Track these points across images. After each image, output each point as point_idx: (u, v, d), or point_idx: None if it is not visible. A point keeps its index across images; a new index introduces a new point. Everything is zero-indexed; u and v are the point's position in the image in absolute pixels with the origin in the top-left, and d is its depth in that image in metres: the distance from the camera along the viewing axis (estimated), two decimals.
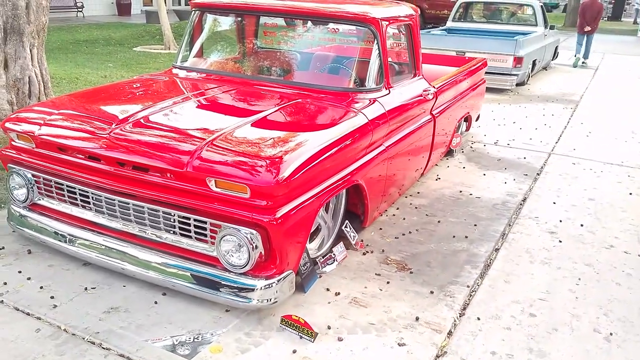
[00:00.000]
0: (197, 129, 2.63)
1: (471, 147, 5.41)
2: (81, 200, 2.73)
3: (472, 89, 5.07)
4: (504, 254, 3.24)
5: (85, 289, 2.64)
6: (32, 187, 2.83)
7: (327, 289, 2.73)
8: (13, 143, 2.87)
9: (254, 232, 2.29)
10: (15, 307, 2.48)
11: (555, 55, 10.99)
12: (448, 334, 2.45)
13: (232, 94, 3.23)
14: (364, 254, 3.13)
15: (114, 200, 2.58)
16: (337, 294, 2.70)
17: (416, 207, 3.86)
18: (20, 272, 2.76)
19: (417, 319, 2.53)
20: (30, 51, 4.52)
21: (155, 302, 2.55)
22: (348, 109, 3.02)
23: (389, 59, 3.52)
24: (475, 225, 3.61)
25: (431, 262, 3.09)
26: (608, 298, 2.81)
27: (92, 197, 2.67)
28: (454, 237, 3.42)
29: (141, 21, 17.10)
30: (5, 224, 3.09)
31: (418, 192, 4.14)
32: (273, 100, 3.11)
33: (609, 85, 9.39)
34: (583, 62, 11.60)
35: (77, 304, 2.52)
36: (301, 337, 2.34)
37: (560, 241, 3.45)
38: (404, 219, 3.66)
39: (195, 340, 2.31)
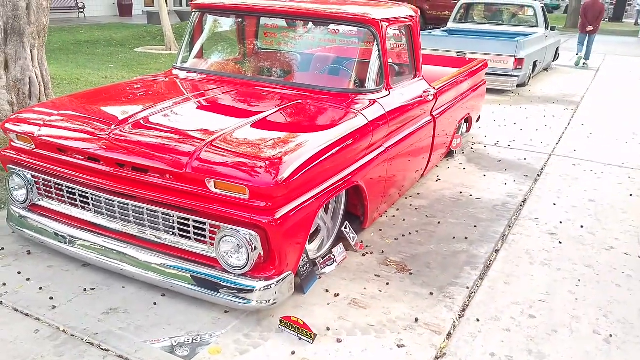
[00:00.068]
0: (197, 130, 2.63)
1: (471, 148, 5.40)
2: (81, 201, 2.73)
3: (472, 90, 5.06)
4: (504, 255, 3.24)
5: (85, 290, 2.64)
6: (31, 188, 2.84)
7: (327, 290, 2.73)
8: (13, 144, 2.87)
9: (253, 233, 2.29)
10: (15, 308, 2.48)
11: (556, 56, 10.98)
12: (447, 335, 2.45)
13: (231, 95, 3.23)
14: (363, 255, 3.13)
15: (114, 201, 2.58)
16: (337, 295, 2.70)
17: (416, 208, 3.86)
18: (19, 272, 2.76)
19: (416, 320, 2.53)
20: (31, 52, 4.53)
21: (155, 303, 2.55)
22: (348, 110, 3.02)
23: (389, 60, 3.52)
24: (475, 226, 3.61)
25: (431, 263, 3.09)
26: (608, 299, 2.81)
27: (92, 198, 2.67)
28: (453, 238, 3.42)
29: (142, 22, 17.13)
30: (4, 225, 3.09)
31: (418, 193, 4.13)
32: (273, 101, 3.11)
33: (610, 87, 9.38)
34: (584, 63, 11.59)
35: (76, 304, 2.52)
36: (300, 339, 2.33)
37: (560, 242, 3.44)
38: (404, 220, 3.66)
39: (194, 341, 2.31)
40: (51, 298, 2.55)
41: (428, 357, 2.29)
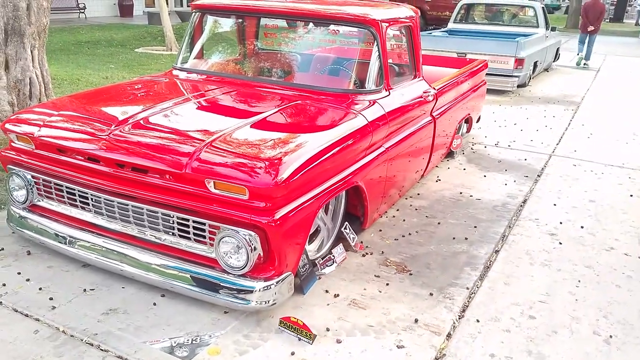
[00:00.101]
0: (197, 131, 2.63)
1: (472, 149, 5.40)
2: (80, 202, 2.73)
3: (472, 91, 5.06)
4: (504, 256, 3.23)
5: (84, 290, 2.64)
6: (31, 189, 2.84)
7: (326, 291, 2.73)
8: (13, 144, 2.87)
9: (253, 233, 2.29)
10: (14, 309, 2.48)
11: (556, 56, 10.97)
12: (447, 336, 2.44)
13: (231, 96, 3.23)
14: (363, 255, 3.13)
15: (113, 201, 2.58)
16: (336, 295, 2.70)
17: (416, 209, 3.86)
18: (19, 273, 2.76)
19: (416, 321, 2.53)
20: (31, 52, 4.53)
21: (154, 304, 2.55)
22: (348, 111, 3.02)
23: (389, 61, 3.52)
24: (475, 227, 3.60)
25: (431, 263, 3.08)
26: (608, 300, 2.80)
27: (92, 199, 2.67)
28: (453, 238, 3.42)
29: (143, 22, 17.14)
30: (4, 225, 3.09)
31: (418, 194, 4.13)
32: (272, 101, 3.11)
33: (611, 87, 9.38)
34: (585, 64, 11.59)
35: (76, 305, 2.52)
36: (300, 339, 2.33)
37: (560, 243, 3.44)
38: (404, 220, 3.65)
39: (194, 342, 2.31)
40: (51, 298, 2.56)
41: (427, 358, 2.29)
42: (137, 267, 2.56)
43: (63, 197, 2.78)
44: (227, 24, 3.97)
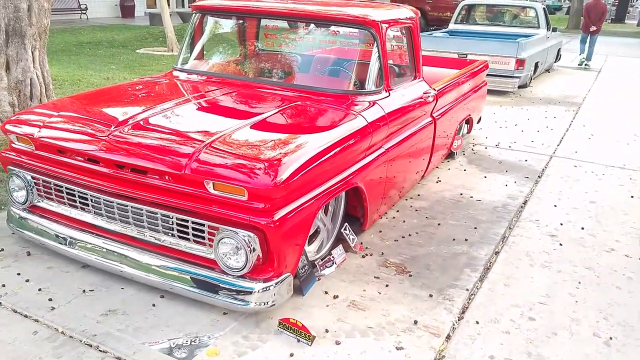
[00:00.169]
0: (196, 132, 2.63)
1: (472, 150, 5.39)
2: (80, 203, 2.73)
3: (473, 92, 5.06)
4: (504, 257, 3.23)
5: (84, 291, 2.64)
6: (31, 189, 2.84)
7: (326, 292, 2.73)
8: (13, 145, 2.87)
9: (252, 234, 2.28)
10: (14, 309, 2.48)
11: (558, 57, 10.96)
12: (446, 337, 2.44)
13: (231, 97, 3.23)
14: (363, 256, 3.12)
15: (113, 202, 2.58)
16: (336, 297, 2.69)
17: (416, 210, 3.85)
18: (19, 274, 2.76)
19: (415, 322, 2.52)
20: (32, 53, 4.54)
21: (153, 305, 2.55)
22: (347, 112, 3.02)
23: (389, 62, 3.52)
24: (475, 228, 3.60)
25: (430, 265, 3.08)
26: (608, 302, 2.80)
27: (91, 200, 2.67)
28: (453, 240, 3.41)
29: (144, 23, 17.17)
30: (4, 226, 3.09)
31: (418, 195, 4.13)
32: (272, 102, 3.11)
33: (612, 88, 9.36)
34: (586, 64, 11.58)
35: (75, 306, 2.52)
36: (299, 341, 2.33)
37: (560, 244, 3.43)
38: (404, 221, 3.65)
39: (193, 343, 2.31)
40: (50, 299, 2.56)
41: (427, 359, 2.29)
42: (137, 268, 2.56)
43: (63, 198, 2.78)
44: (227, 25, 3.97)
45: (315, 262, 2.89)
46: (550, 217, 3.85)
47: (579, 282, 2.97)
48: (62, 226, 2.78)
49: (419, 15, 3.93)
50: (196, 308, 2.53)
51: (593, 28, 11.31)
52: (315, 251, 2.96)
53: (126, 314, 2.48)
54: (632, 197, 4.32)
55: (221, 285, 2.40)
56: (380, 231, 3.47)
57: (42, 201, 2.88)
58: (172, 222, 2.47)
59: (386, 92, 3.33)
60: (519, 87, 8.31)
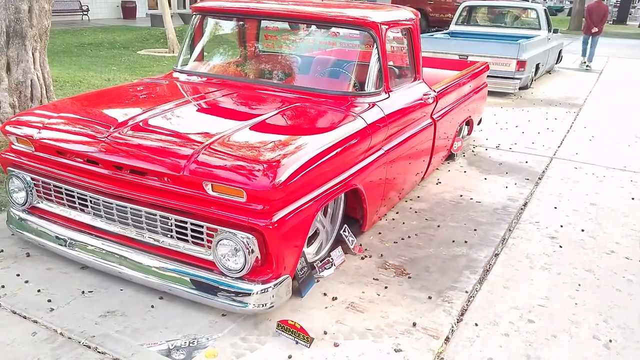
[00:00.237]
0: (195, 133, 2.64)
1: (473, 151, 5.39)
2: (79, 204, 2.73)
3: (473, 93, 5.05)
4: (504, 259, 3.22)
5: (83, 292, 2.64)
6: (31, 191, 2.84)
7: (325, 294, 2.72)
8: (13, 146, 2.88)
9: (250, 236, 2.28)
10: (13, 310, 2.49)
11: (559, 58, 10.95)
12: (445, 340, 2.43)
13: (231, 98, 3.23)
14: (362, 258, 3.12)
15: (112, 203, 2.59)
16: (334, 298, 2.69)
17: (416, 212, 3.85)
18: (18, 275, 2.76)
19: (414, 324, 2.52)
20: (33, 54, 4.55)
21: (152, 306, 2.55)
22: (347, 113, 3.02)
23: (390, 63, 3.52)
24: (475, 230, 3.59)
25: (430, 267, 3.07)
26: (608, 304, 2.79)
27: (91, 201, 2.67)
28: (453, 241, 3.40)
29: (146, 24, 17.20)
30: (4, 227, 3.10)
31: (418, 196, 4.12)
32: (272, 104, 3.11)
33: (613, 89, 9.35)
34: (587, 66, 11.57)
35: (74, 307, 2.52)
36: (297, 343, 2.33)
37: (560, 246, 3.42)
38: (404, 223, 3.65)
39: (191, 344, 2.31)
40: (49, 300, 2.56)
41: None
42: (136, 270, 2.56)
43: (62, 199, 2.78)
44: (227, 27, 3.97)
45: (314, 264, 2.89)
46: (550, 219, 3.84)
47: (579, 285, 2.97)
48: (62, 227, 2.79)
49: (419, 16, 3.93)
50: (194, 309, 2.53)
51: (595, 29, 11.30)
52: (314, 253, 2.96)
53: (125, 315, 2.48)
54: (632, 199, 4.30)
55: (220, 286, 2.40)
56: (380, 233, 3.47)
57: (42, 202, 2.88)
58: (171, 223, 2.47)
59: (386, 93, 3.33)
60: (520, 88, 8.30)
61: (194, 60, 3.77)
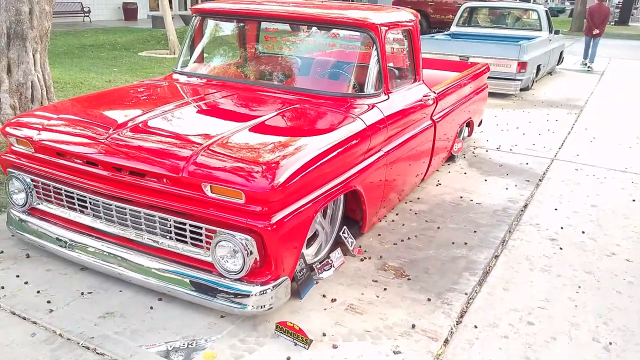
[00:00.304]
0: (195, 134, 2.64)
1: (473, 153, 5.38)
2: (79, 205, 2.73)
3: (474, 94, 5.05)
4: (504, 261, 3.21)
5: (82, 293, 2.64)
6: (31, 192, 2.85)
7: (324, 296, 2.72)
8: (13, 147, 2.88)
9: (249, 237, 2.28)
10: (12, 311, 2.49)
11: (560, 60, 10.94)
12: (444, 342, 2.43)
13: (230, 99, 3.23)
14: (361, 260, 3.12)
15: (111, 205, 2.59)
16: (334, 300, 2.69)
17: (416, 213, 3.84)
18: (18, 276, 2.77)
19: (413, 326, 2.51)
20: (33, 56, 4.56)
21: (151, 308, 2.55)
22: (346, 115, 3.01)
23: (389, 64, 3.52)
24: (475, 231, 3.59)
25: (429, 268, 3.07)
26: (608, 307, 2.78)
27: (90, 202, 2.68)
28: (453, 243, 3.40)
29: (147, 26, 17.23)
30: (4, 228, 3.10)
31: (418, 198, 4.12)
32: (271, 105, 3.11)
33: (615, 91, 9.33)
34: (588, 67, 11.56)
35: (73, 308, 2.52)
36: (296, 344, 2.32)
37: (561, 248, 3.41)
38: (403, 224, 3.64)
39: (190, 346, 2.30)
40: (48, 302, 2.56)
41: None
42: (135, 271, 2.56)
43: (62, 200, 2.79)
44: (227, 28, 3.98)
45: (314, 266, 2.89)
46: (550, 220, 3.83)
47: (579, 287, 2.96)
48: (61, 229, 2.79)
49: (419, 17, 3.93)
50: (193, 311, 2.53)
51: (596, 31, 11.30)
52: (313, 254, 2.96)
53: (124, 317, 2.48)
54: (633, 200, 4.29)
55: (218, 288, 2.40)
56: (379, 234, 3.46)
57: (42, 204, 2.88)
58: (170, 225, 2.47)
59: (385, 95, 3.33)
60: (521, 89, 8.29)
61: (194, 62, 3.78)
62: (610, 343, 2.48)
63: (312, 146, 2.56)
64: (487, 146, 5.63)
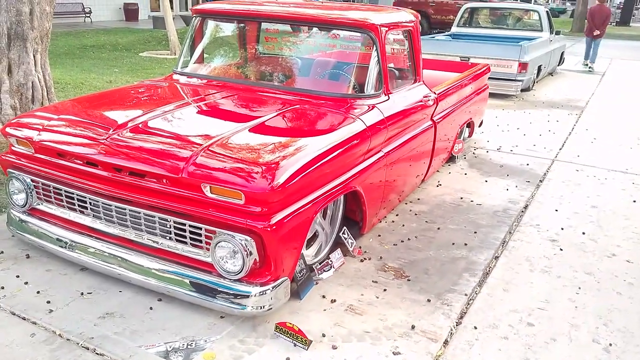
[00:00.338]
0: (194, 135, 2.64)
1: (474, 154, 5.38)
2: (79, 206, 2.74)
3: (474, 95, 5.05)
4: (504, 262, 3.21)
5: (82, 294, 2.64)
6: (31, 192, 2.85)
7: (323, 296, 2.72)
8: (13, 148, 2.89)
9: (249, 238, 2.28)
10: (12, 312, 2.49)
11: (561, 60, 10.93)
12: (444, 343, 2.43)
13: (230, 100, 3.23)
14: (361, 260, 3.11)
15: (111, 205, 2.59)
16: (333, 301, 2.68)
17: (416, 214, 3.84)
18: (18, 276, 2.77)
19: (413, 327, 2.51)
20: (34, 57, 4.57)
21: (151, 308, 2.55)
22: (346, 115, 3.01)
23: (390, 65, 3.52)
24: (475, 232, 3.58)
25: (429, 269, 3.07)
26: (608, 308, 2.78)
27: (90, 203, 2.68)
28: (453, 244, 3.40)
29: (148, 26, 17.25)
30: (4, 229, 3.11)
31: (418, 199, 4.12)
32: (271, 106, 3.11)
33: (616, 91, 9.32)
34: (590, 68, 11.56)
35: (72, 309, 2.52)
36: (295, 345, 2.32)
37: (561, 249, 3.41)
38: (403, 225, 3.64)
39: (189, 346, 2.30)
40: (48, 302, 2.56)
41: None
42: (135, 271, 2.56)
43: (62, 201, 2.79)
44: (227, 29, 3.98)
45: (313, 266, 2.89)
46: (551, 221, 3.83)
47: (579, 288, 2.95)
48: (61, 229, 2.79)
49: (419, 18, 3.93)
50: (193, 311, 2.53)
51: (596, 32, 11.29)
52: (313, 255, 2.96)
53: (123, 317, 2.48)
54: (634, 201, 4.29)
55: (218, 288, 2.40)
56: (379, 235, 3.46)
57: (42, 204, 2.89)
58: (170, 225, 2.47)
59: (385, 95, 3.33)
60: (522, 90, 8.29)
61: (194, 63, 3.78)
62: (610, 344, 2.48)
63: (312, 147, 2.56)
64: (487, 147, 5.63)
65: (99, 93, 3.83)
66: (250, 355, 2.27)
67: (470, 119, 5.08)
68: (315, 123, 3.02)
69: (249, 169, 2.28)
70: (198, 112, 3.07)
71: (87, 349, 2.27)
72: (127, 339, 2.33)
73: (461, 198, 4.18)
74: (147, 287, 2.58)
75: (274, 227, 2.27)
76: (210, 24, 3.83)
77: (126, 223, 2.59)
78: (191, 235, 2.44)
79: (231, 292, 2.38)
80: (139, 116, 2.79)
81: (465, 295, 2.81)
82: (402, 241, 3.39)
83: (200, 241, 2.43)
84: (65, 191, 2.74)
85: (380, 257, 3.16)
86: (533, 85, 8.93)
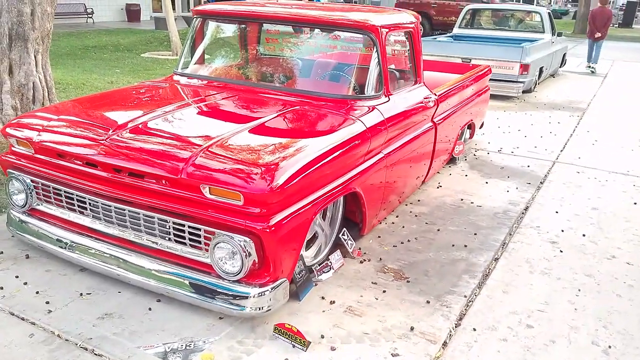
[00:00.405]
0: (194, 136, 2.64)
1: (474, 155, 5.37)
2: (79, 206, 2.74)
3: (475, 96, 5.04)
4: (504, 264, 3.20)
5: (81, 294, 2.65)
6: (31, 193, 2.85)
7: (322, 298, 2.72)
8: (13, 148, 2.89)
9: (248, 239, 2.28)
10: (11, 312, 2.49)
11: (563, 62, 10.92)
12: (443, 344, 2.42)
13: (230, 101, 3.23)
14: (361, 262, 3.11)
15: (111, 206, 2.59)
16: (332, 302, 2.68)
17: (416, 215, 3.83)
18: (17, 276, 2.77)
19: (412, 329, 2.50)
20: (35, 57, 4.57)
21: (150, 309, 2.55)
22: (346, 116, 3.01)
23: (390, 66, 3.52)
24: (475, 234, 3.58)
25: (429, 271, 3.06)
26: (608, 310, 2.77)
27: (90, 203, 2.68)
28: (453, 246, 3.39)
29: (150, 27, 17.27)
30: (4, 229, 3.11)
31: (418, 200, 4.11)
32: (271, 107, 3.11)
33: (618, 93, 9.30)
34: (592, 69, 11.54)
35: (71, 309, 2.53)
36: (294, 346, 2.32)
37: (561, 251, 3.40)
38: (403, 227, 3.63)
39: (188, 347, 2.30)
40: (47, 302, 2.56)
41: None
42: (134, 272, 2.56)
43: (62, 201, 2.79)
44: (227, 30, 3.98)
45: (313, 267, 2.88)
46: (551, 223, 3.82)
47: (579, 290, 2.95)
48: (61, 230, 2.79)
49: (420, 19, 3.93)
50: (192, 312, 2.53)
51: (598, 34, 11.27)
52: (312, 256, 2.95)
53: (122, 318, 2.48)
54: (635, 203, 4.28)
55: (217, 289, 2.40)
56: (379, 236, 3.46)
57: (42, 204, 2.89)
58: (169, 226, 2.47)
59: (386, 97, 3.33)
60: (523, 92, 8.28)
61: (195, 63, 3.79)
62: (610, 347, 2.47)
63: (311, 148, 2.56)
64: (488, 148, 5.62)
65: (99, 94, 3.84)
66: (249, 356, 2.27)
67: (471, 120, 5.07)
68: (315, 124, 3.02)
69: (248, 170, 2.28)
70: (198, 113, 3.07)
71: (86, 349, 2.27)
72: (125, 339, 2.33)
73: (461, 199, 4.17)
74: (146, 288, 2.58)
75: (273, 228, 2.26)
76: (211, 25, 3.83)
77: (125, 224, 2.60)
78: (190, 236, 2.44)
79: (230, 293, 2.38)
80: (138, 117, 2.79)
81: (465, 296, 2.81)
82: (402, 242, 3.39)
83: (200, 242, 2.43)
84: (65, 192, 2.74)
85: (380, 259, 3.16)
86: (535, 87, 8.92)
